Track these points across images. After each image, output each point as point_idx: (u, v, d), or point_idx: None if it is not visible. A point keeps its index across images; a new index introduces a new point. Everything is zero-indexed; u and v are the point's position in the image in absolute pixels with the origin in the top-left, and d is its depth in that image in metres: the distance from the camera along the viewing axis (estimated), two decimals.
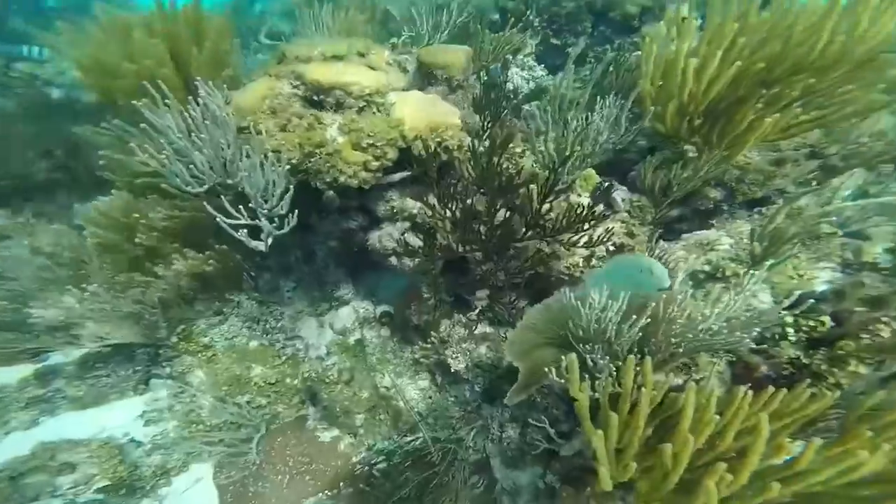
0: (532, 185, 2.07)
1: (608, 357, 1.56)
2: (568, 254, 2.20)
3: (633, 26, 3.70)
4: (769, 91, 2.06)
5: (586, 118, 2.22)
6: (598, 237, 2.06)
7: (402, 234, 2.13)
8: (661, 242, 2.28)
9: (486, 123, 2.31)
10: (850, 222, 2.11)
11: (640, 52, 2.47)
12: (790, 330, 1.72)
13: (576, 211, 2.00)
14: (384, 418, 2.39)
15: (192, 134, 1.92)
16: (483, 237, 2.07)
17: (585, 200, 2.32)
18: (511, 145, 2.20)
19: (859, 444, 1.19)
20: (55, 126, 3.59)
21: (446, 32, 2.93)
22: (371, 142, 2.07)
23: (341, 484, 2.25)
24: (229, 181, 1.93)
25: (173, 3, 2.49)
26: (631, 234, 2.26)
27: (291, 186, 1.92)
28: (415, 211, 2.14)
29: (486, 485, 2.09)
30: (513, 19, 3.29)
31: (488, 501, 2.08)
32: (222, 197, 1.85)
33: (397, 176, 2.10)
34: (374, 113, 2.21)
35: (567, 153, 2.16)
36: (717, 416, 1.23)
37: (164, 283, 2.35)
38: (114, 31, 2.49)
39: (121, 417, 2.43)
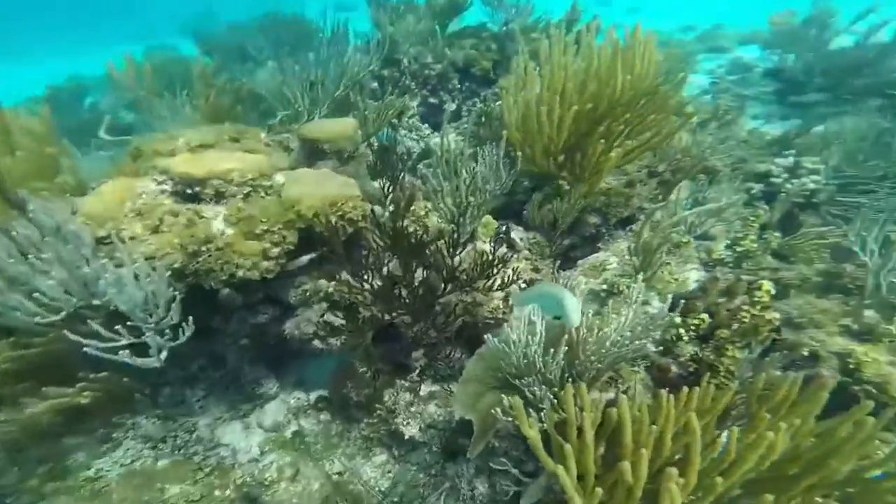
0: (440, 241, 2.22)
1: (544, 386, 1.70)
2: (487, 299, 2.36)
3: (491, 79, 4.36)
4: (603, 126, 2.58)
5: (472, 169, 2.49)
6: (509, 278, 2.28)
7: (321, 315, 2.07)
8: (563, 272, 2.60)
9: (386, 188, 2.43)
10: (694, 227, 2.70)
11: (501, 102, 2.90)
12: (682, 330, 2.06)
13: (483, 258, 2.19)
14: None
15: (31, 256, 1.64)
16: (406, 300, 2.11)
17: (489, 246, 2.55)
18: (414, 206, 2.34)
19: (764, 426, 1.33)
20: None
21: (325, 106, 3.04)
22: (266, 227, 2.01)
23: None
24: (95, 301, 1.67)
25: None
26: (536, 270, 2.54)
27: (178, 294, 1.74)
28: (330, 290, 2.10)
29: None
30: (390, 86, 3.59)
31: None
32: (91, 321, 1.58)
33: (304, 259, 2.06)
34: (262, 197, 2.16)
35: (463, 205, 2.38)
36: (654, 426, 1.34)
37: (9, 426, 1.90)
38: None
39: None
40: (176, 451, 2.26)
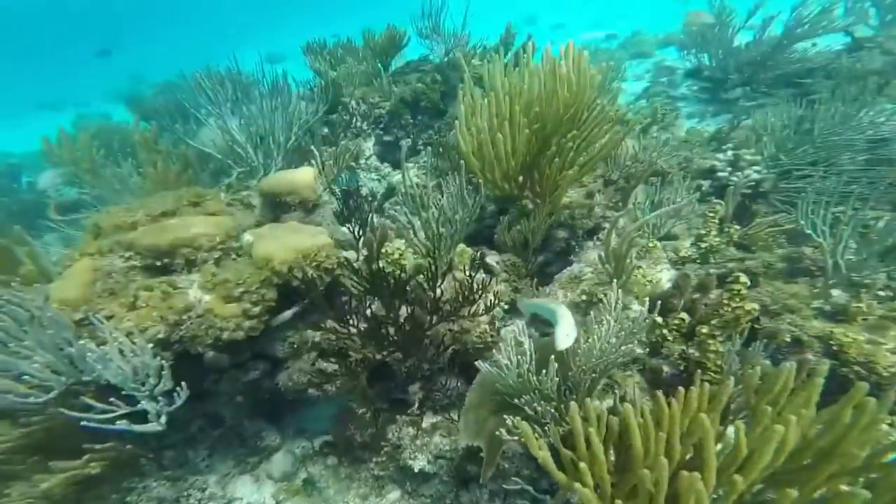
0: (420, 276, 2.36)
1: (543, 402, 1.84)
2: (473, 325, 2.50)
3: (442, 110, 4.60)
4: (553, 144, 2.83)
5: (438, 201, 2.67)
6: (491, 302, 2.43)
7: (313, 364, 2.14)
8: (542, 288, 2.79)
9: (356, 232, 2.56)
10: (657, 229, 2.98)
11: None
12: (665, 331, 2.22)
13: (463, 286, 2.34)
14: None
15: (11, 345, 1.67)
16: (394, 338, 2.22)
17: (467, 274, 2.71)
18: (387, 248, 2.48)
19: (769, 419, 1.35)
20: None
21: (280, 158, 3.16)
22: (243, 289, 2.09)
23: None
24: (85, 378, 1.71)
25: None
26: (517, 290, 2.71)
27: (165, 363, 1.80)
28: (317, 339, 2.18)
29: None
30: (341, 130, 3.75)
31: None
32: (83, 397, 1.64)
33: (288, 314, 2.14)
34: (234, 259, 2.24)
35: (436, 237, 2.54)
36: (661, 433, 1.37)
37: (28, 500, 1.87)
38: None
39: None
40: None
